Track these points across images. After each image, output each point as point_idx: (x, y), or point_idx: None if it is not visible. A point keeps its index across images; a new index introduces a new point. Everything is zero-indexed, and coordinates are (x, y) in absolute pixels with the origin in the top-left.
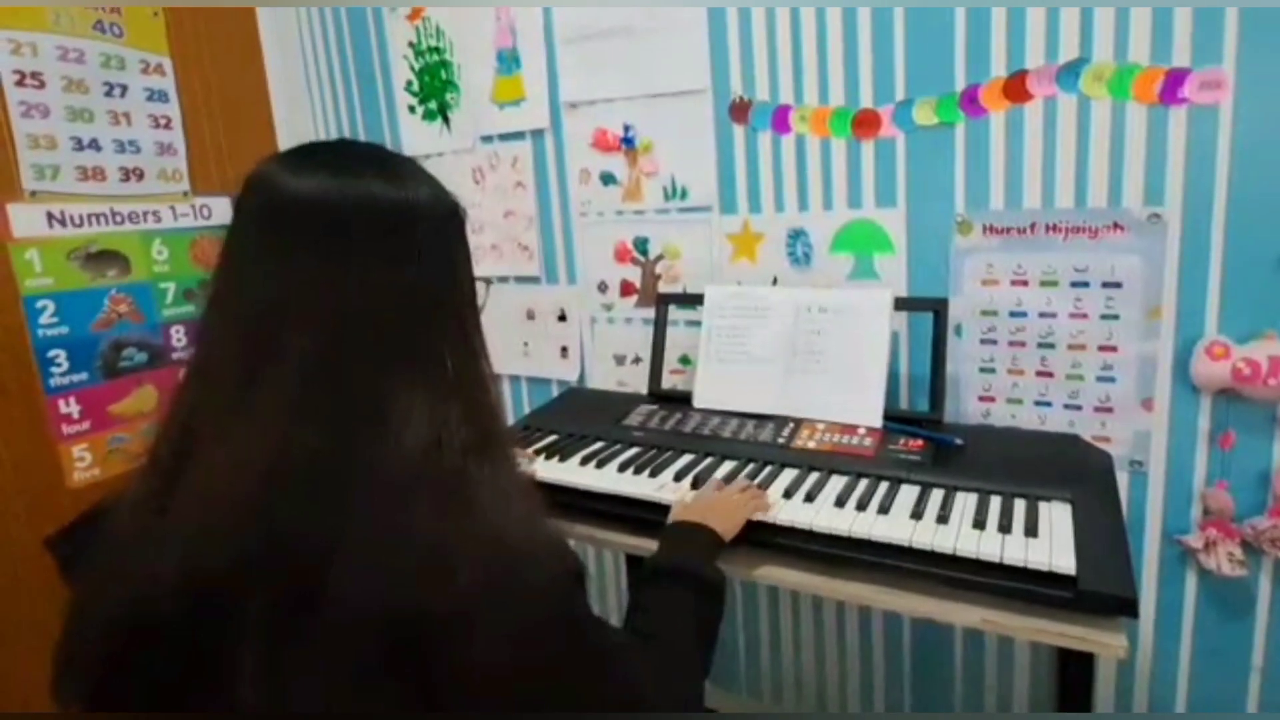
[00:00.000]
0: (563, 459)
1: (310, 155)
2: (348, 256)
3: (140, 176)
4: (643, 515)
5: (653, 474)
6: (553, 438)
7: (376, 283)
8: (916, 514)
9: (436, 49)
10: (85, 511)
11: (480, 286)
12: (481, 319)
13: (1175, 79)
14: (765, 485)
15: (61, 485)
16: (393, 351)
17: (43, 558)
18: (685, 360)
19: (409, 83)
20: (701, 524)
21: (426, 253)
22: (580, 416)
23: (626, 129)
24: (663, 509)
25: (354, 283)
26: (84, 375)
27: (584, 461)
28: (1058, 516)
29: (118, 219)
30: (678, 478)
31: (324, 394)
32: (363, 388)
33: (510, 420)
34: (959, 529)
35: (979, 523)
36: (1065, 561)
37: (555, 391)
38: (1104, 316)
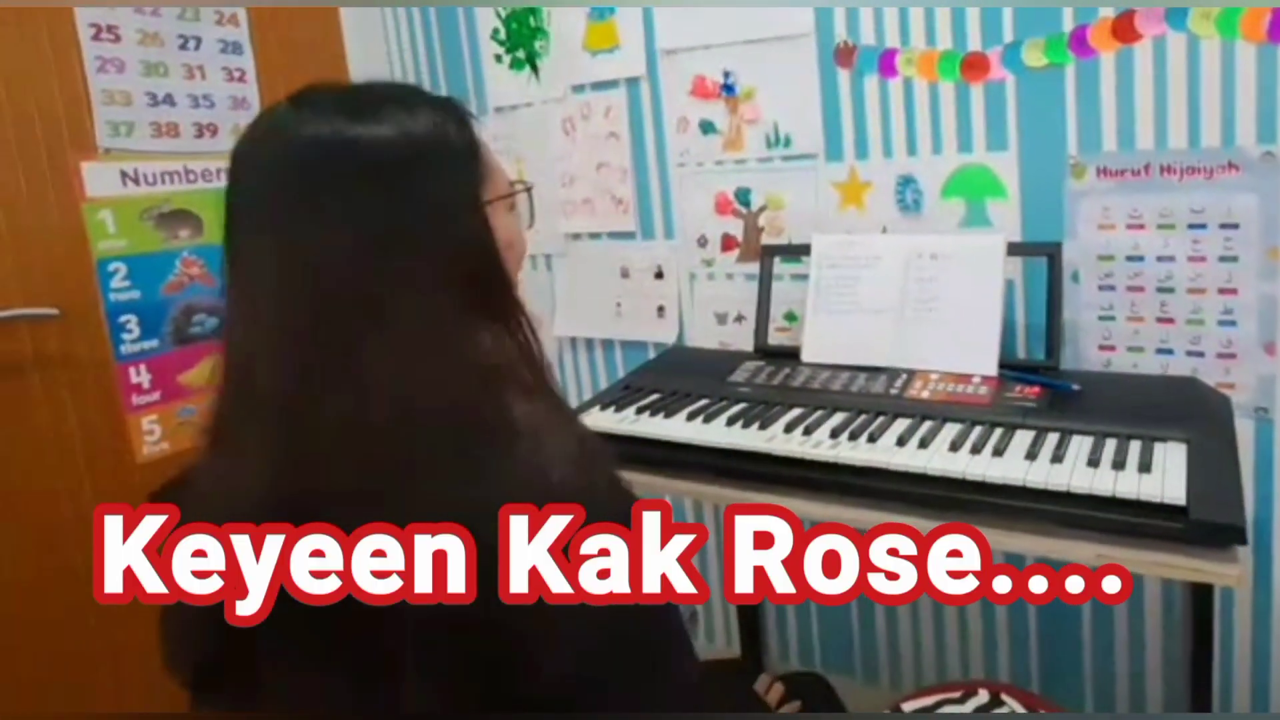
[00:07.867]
0: (668, 415)
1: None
2: (296, 214)
3: (214, 133)
4: (752, 468)
5: (762, 426)
6: (655, 396)
7: (325, 240)
8: (1031, 455)
9: None
10: (165, 484)
11: (522, 204)
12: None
13: None
14: (877, 436)
15: (130, 460)
16: (365, 311)
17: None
18: (791, 317)
19: (495, 30)
20: None
21: (384, 199)
22: (683, 374)
23: (727, 75)
24: (773, 460)
25: (302, 242)
26: (154, 342)
27: (690, 417)
28: (1172, 455)
29: (190, 177)
30: (788, 429)
31: (305, 368)
32: (339, 351)
33: (604, 385)
34: (1073, 467)
35: (1093, 461)
36: (1176, 492)
37: (651, 355)
38: (1222, 259)
